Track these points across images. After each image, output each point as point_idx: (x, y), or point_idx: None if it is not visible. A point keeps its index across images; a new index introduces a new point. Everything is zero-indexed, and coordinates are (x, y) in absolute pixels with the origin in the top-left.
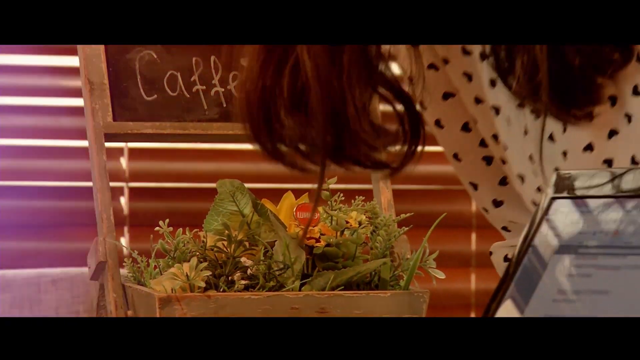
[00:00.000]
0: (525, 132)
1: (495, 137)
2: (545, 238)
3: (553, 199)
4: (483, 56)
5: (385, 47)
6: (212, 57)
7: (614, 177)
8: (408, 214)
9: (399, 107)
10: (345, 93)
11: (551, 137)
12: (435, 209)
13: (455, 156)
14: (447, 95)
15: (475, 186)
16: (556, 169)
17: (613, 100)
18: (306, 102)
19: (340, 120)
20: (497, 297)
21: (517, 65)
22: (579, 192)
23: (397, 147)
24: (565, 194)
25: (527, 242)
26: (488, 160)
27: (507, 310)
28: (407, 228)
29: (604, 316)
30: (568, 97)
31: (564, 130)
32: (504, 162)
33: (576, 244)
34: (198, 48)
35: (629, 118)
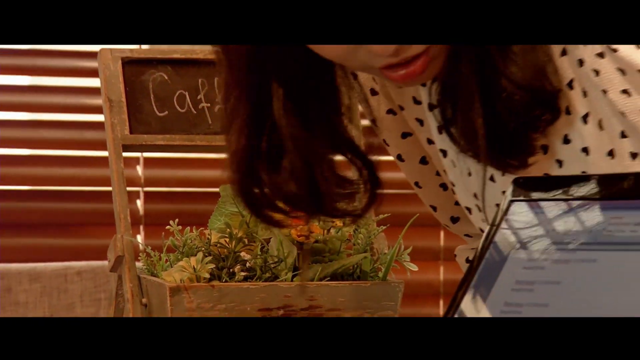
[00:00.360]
0: (469, 174)
1: (445, 171)
2: (505, 236)
3: (511, 201)
4: (431, 107)
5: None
6: (216, 78)
7: (566, 184)
8: (385, 215)
9: (359, 164)
10: (317, 156)
11: (492, 179)
12: (409, 211)
13: (417, 184)
14: (405, 135)
15: (434, 208)
16: (497, 205)
17: (545, 149)
18: (281, 163)
19: (311, 178)
20: (463, 286)
21: (459, 121)
22: (534, 196)
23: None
24: (522, 198)
25: (489, 240)
26: (444, 186)
27: (471, 298)
28: (385, 227)
29: (557, 305)
30: (503, 151)
31: (503, 173)
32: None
33: (531, 241)
34: (204, 70)
35: (560, 163)
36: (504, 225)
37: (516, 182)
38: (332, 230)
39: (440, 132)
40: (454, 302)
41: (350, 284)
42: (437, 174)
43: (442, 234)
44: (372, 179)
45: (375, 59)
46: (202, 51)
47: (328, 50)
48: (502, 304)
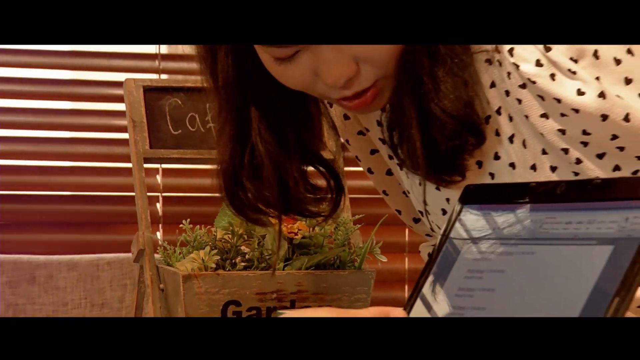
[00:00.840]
0: (420, 183)
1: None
2: (458, 232)
3: (463, 205)
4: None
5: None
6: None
7: (509, 190)
8: (360, 215)
9: (327, 175)
10: (288, 168)
11: (437, 188)
12: (379, 212)
13: (384, 192)
14: (373, 152)
15: (399, 212)
16: (442, 209)
17: (480, 164)
18: (261, 174)
19: (285, 186)
20: (424, 274)
21: (403, 144)
22: (482, 200)
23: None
24: (472, 201)
25: (445, 235)
26: (406, 193)
27: (431, 284)
28: (359, 225)
29: (502, 289)
30: (439, 169)
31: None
32: None
33: (480, 236)
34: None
35: (492, 176)
36: (457, 224)
37: (467, 189)
38: (317, 228)
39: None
40: (417, 287)
41: (332, 272)
42: (400, 183)
43: (407, 231)
44: (338, 187)
45: (331, 91)
46: None
47: (292, 82)
48: (456, 289)
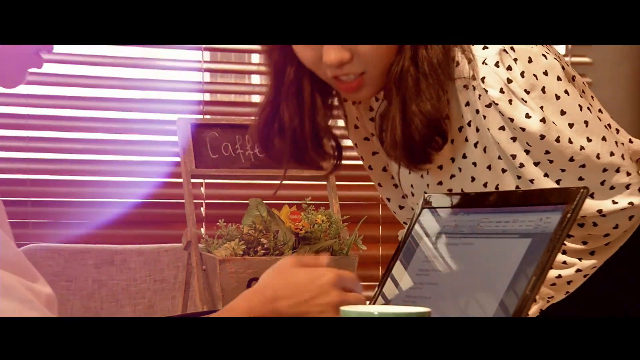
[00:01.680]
0: (410, 173)
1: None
2: (418, 228)
3: (422, 207)
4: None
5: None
6: (246, 136)
7: (455, 198)
8: (347, 216)
9: (333, 144)
10: (304, 135)
11: (422, 176)
12: (361, 214)
13: (379, 184)
14: (374, 153)
15: (389, 200)
16: (425, 192)
17: (452, 160)
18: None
19: (301, 145)
20: (393, 259)
21: (387, 138)
22: (435, 205)
23: (331, 162)
24: (428, 206)
25: (409, 230)
26: (396, 186)
27: (398, 267)
28: (347, 224)
29: (448, 268)
30: (412, 157)
31: (427, 173)
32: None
33: (434, 232)
34: (238, 130)
35: (460, 169)
36: (418, 223)
37: (425, 197)
38: (315, 226)
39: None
40: (389, 268)
41: (327, 258)
42: (392, 177)
43: (380, 228)
44: (338, 156)
45: (329, 68)
46: (238, 119)
47: (303, 56)
48: (417, 269)
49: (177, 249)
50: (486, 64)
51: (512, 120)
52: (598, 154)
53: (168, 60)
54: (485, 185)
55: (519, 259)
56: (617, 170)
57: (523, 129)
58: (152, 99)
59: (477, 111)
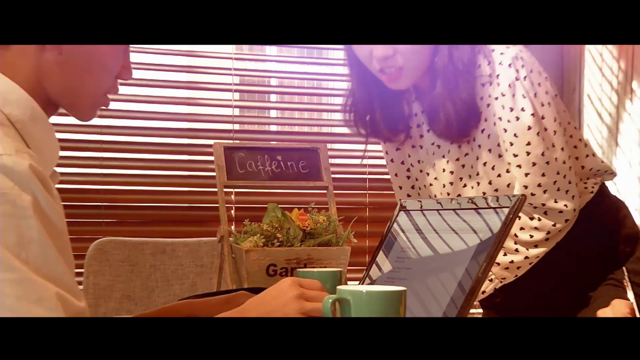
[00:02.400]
0: (438, 146)
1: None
2: (396, 226)
3: (399, 210)
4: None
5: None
6: (265, 155)
7: (426, 203)
8: (342, 217)
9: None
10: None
11: (443, 156)
12: (352, 215)
13: (399, 187)
14: (402, 162)
15: (400, 187)
16: (406, 195)
17: (468, 141)
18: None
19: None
20: (377, 250)
21: (435, 120)
22: (408, 208)
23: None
24: (404, 209)
25: (389, 228)
26: (412, 187)
27: (381, 256)
28: (342, 222)
29: (420, 257)
30: (458, 135)
31: (449, 151)
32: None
33: (408, 229)
34: (259, 152)
35: (472, 149)
36: (395, 222)
37: (401, 203)
38: (318, 224)
39: (427, 131)
40: (374, 257)
41: (326, 248)
42: (408, 170)
43: (367, 226)
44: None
45: (375, 62)
46: (259, 143)
47: (359, 52)
48: (395, 257)
49: (213, 241)
50: (501, 65)
51: (511, 109)
52: (564, 161)
53: (208, 99)
54: (484, 164)
55: (473, 250)
56: (570, 181)
57: (517, 118)
58: (196, 129)
59: (488, 105)
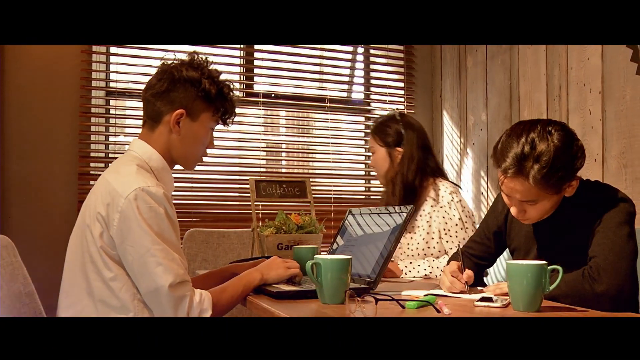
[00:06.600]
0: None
1: None
2: (347, 222)
3: (348, 214)
4: None
5: None
6: (277, 184)
7: (361, 210)
8: (319, 218)
9: None
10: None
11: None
12: (324, 215)
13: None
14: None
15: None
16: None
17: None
18: None
19: None
20: (336, 235)
21: None
22: (354, 212)
23: None
24: (351, 213)
25: (342, 222)
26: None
27: (338, 239)
28: (318, 220)
29: (356, 244)
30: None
31: None
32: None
33: (353, 224)
34: (275, 182)
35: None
36: (347, 220)
37: (350, 210)
38: (305, 221)
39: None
40: (334, 239)
41: (309, 234)
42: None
43: (332, 222)
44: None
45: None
46: (276, 177)
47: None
48: (346, 240)
49: (248, 231)
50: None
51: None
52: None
53: (246, 148)
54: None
55: (388, 233)
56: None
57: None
58: (236, 163)
59: None
